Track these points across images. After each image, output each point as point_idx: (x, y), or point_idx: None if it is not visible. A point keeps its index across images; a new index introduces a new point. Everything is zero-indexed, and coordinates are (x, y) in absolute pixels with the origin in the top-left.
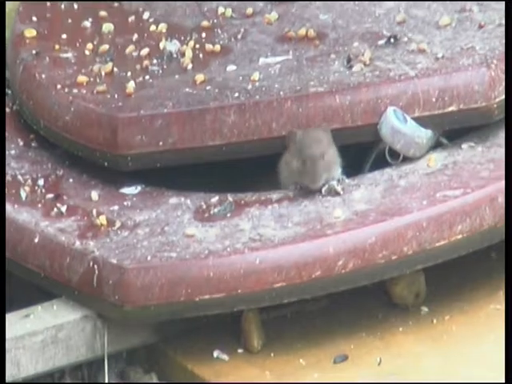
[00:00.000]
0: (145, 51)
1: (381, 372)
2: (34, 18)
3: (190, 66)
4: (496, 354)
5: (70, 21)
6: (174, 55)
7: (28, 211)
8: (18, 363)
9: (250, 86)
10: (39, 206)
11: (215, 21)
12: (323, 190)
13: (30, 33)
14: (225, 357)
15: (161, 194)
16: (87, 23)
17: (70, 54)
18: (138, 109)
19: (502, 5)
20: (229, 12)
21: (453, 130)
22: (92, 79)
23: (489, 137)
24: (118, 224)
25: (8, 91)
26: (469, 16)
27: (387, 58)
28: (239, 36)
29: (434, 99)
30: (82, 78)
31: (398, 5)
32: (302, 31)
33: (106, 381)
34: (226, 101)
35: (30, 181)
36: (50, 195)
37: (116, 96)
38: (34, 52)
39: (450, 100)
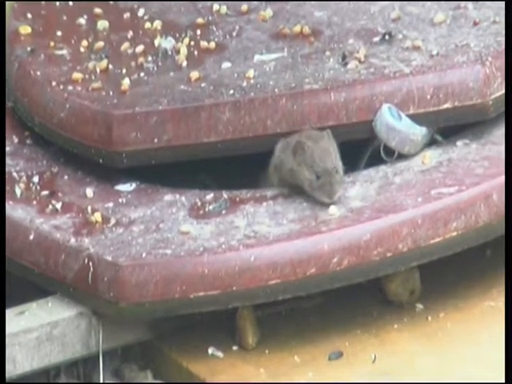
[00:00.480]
0: (140, 48)
1: (375, 370)
2: (29, 15)
3: (184, 63)
4: (491, 352)
5: (64, 18)
6: (169, 52)
7: (23, 208)
8: (14, 360)
9: (244, 83)
10: (34, 202)
11: (210, 18)
12: None
13: (25, 30)
14: (220, 354)
15: (156, 191)
16: (82, 20)
17: (65, 51)
18: (132, 106)
19: (497, 2)
20: (224, 9)
21: (447, 127)
22: (87, 76)
23: (483, 134)
24: (112, 221)
25: None
26: (463, 13)
27: (382, 55)
28: (234, 33)
29: (428, 96)
30: (76, 75)
31: (392, 2)
32: (297, 28)
33: (101, 378)
34: (220, 98)
35: (24, 178)
36: (45, 192)
37: (111, 93)
38: (29, 49)
39: (444, 97)
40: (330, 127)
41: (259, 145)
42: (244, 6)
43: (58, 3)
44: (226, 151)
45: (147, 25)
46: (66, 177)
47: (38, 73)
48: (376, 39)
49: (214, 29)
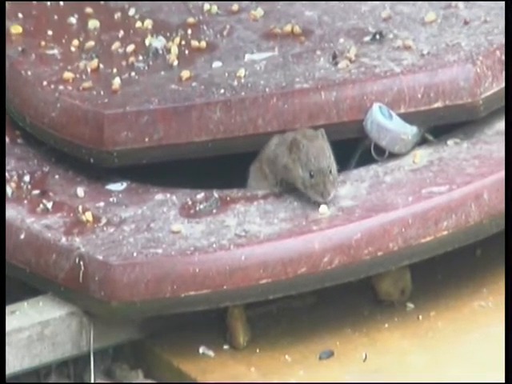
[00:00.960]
0: (130, 48)
1: (366, 369)
2: (20, 15)
3: (175, 63)
4: (481, 351)
5: (55, 17)
6: (160, 52)
7: (14, 208)
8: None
9: (235, 83)
10: (25, 202)
11: (201, 17)
12: None
13: (16, 29)
14: (211, 353)
15: (146, 191)
16: (73, 20)
17: (55, 51)
18: (123, 105)
19: (487, 2)
20: (214, 9)
21: (438, 126)
22: (78, 76)
23: (474, 133)
24: (103, 220)
25: None
26: (454, 12)
27: (373, 55)
28: (225, 33)
29: (419, 95)
30: (67, 75)
31: (383, 1)
32: (288, 28)
33: (92, 377)
34: (211, 97)
35: (15, 177)
36: (36, 191)
37: (102, 92)
38: (19, 49)
39: (435, 96)
40: (321, 126)
41: (250, 144)
42: (235, 6)
43: (48, 3)
44: (217, 150)
45: (138, 24)
46: (57, 176)
47: (29, 72)
48: (367, 38)
49: (205, 28)
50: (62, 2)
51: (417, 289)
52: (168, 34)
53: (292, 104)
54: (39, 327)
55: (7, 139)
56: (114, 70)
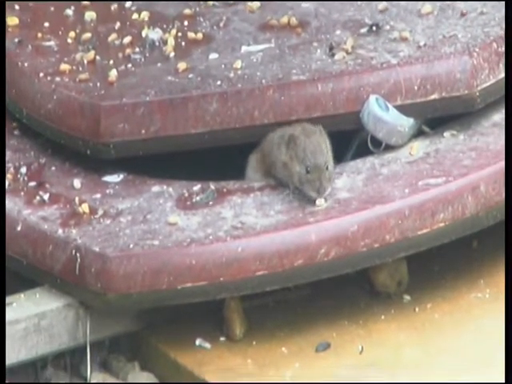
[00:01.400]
0: (127, 39)
1: (363, 361)
2: (17, 7)
3: (172, 55)
4: (478, 343)
5: (52, 9)
6: (157, 43)
7: (10, 199)
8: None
9: (232, 74)
10: (22, 194)
11: (197, 9)
12: None
13: (13, 21)
14: (207, 345)
15: (143, 182)
16: (69, 11)
17: (52, 43)
18: (120, 97)
19: None
20: (211, 0)
21: (435, 118)
22: (74, 67)
23: (471, 125)
24: (100, 212)
25: None
26: (451, 4)
27: (369, 47)
28: (221, 24)
29: (416, 87)
30: (64, 67)
31: None
32: (284, 19)
33: (89, 369)
34: (208, 89)
35: (12, 169)
36: (33, 183)
37: (98, 84)
38: (16, 40)
39: (432, 88)
40: (317, 118)
41: (246, 136)
42: None
43: None
44: (214, 142)
45: (134, 16)
46: (53, 168)
47: (26, 64)
48: (363, 30)
49: (202, 20)
50: None
51: (413, 281)
52: (164, 26)
53: (288, 96)
54: (36, 319)
55: None
56: (111, 62)
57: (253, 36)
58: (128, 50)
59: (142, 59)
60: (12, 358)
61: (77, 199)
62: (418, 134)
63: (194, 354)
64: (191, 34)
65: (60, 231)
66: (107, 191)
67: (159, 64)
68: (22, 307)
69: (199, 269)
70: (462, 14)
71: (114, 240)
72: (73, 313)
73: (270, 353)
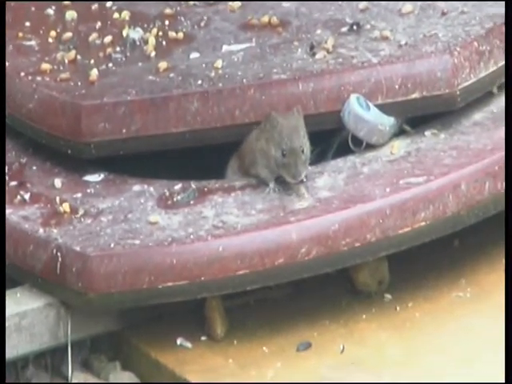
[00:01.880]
0: (108, 39)
1: (344, 360)
2: None
3: (153, 54)
4: (459, 342)
5: (33, 9)
6: (137, 43)
7: None
8: None
9: (213, 74)
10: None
11: (178, 8)
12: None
13: None
14: (188, 344)
15: (124, 182)
16: (50, 11)
17: (33, 42)
18: (101, 96)
19: None
20: (191, 1)
21: (416, 117)
22: (55, 67)
23: (452, 124)
24: (81, 211)
25: None
26: (431, 3)
27: (350, 46)
28: (202, 23)
29: (397, 86)
30: (45, 66)
31: None
32: (265, 19)
33: (70, 369)
34: (189, 88)
35: None
36: (14, 183)
37: (79, 84)
38: None
39: (413, 87)
40: None
41: (227, 135)
42: None
43: None
44: (195, 141)
45: (115, 15)
46: (34, 167)
47: (7, 64)
48: (344, 29)
49: (183, 19)
50: None
51: (394, 280)
52: (145, 25)
53: (269, 95)
54: (17, 318)
55: None
56: (92, 61)
57: (234, 35)
58: (109, 50)
59: (123, 59)
60: None
61: (58, 199)
62: (399, 133)
63: (176, 354)
64: (172, 34)
65: (41, 231)
66: (88, 191)
67: (140, 63)
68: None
69: (180, 268)
70: (443, 13)
71: (95, 239)
72: (54, 312)
73: (252, 352)
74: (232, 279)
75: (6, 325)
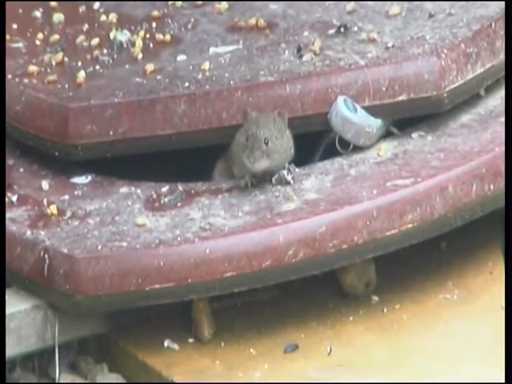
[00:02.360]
0: (95, 41)
1: (331, 362)
2: None
3: (140, 56)
4: (446, 344)
5: (20, 11)
6: (125, 45)
7: None
8: None
9: (200, 76)
10: None
11: (165, 11)
12: (273, 180)
13: None
14: (175, 346)
15: (111, 184)
16: (38, 13)
17: (20, 44)
18: (88, 99)
19: None
20: (179, 2)
21: (403, 119)
22: (43, 69)
23: (439, 126)
24: (68, 213)
25: None
26: (419, 5)
27: (337, 48)
28: (189, 26)
29: (384, 88)
30: (32, 68)
31: None
32: (252, 21)
33: (57, 371)
34: (176, 90)
35: None
36: None
37: (66, 86)
38: None
39: (400, 89)
40: None
41: (214, 137)
42: None
43: None
44: (182, 144)
45: (103, 18)
46: (21, 169)
47: None
48: (331, 31)
49: (170, 21)
50: None
51: (381, 282)
52: (132, 28)
53: (257, 97)
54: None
55: None
56: (79, 64)
57: (221, 37)
58: (96, 52)
59: (110, 61)
60: None
61: (45, 201)
62: (386, 135)
63: (163, 356)
64: (159, 36)
65: (28, 233)
66: (75, 193)
67: (127, 66)
68: None
69: (167, 270)
70: (430, 15)
71: (83, 241)
72: (41, 314)
73: (239, 354)
74: (219, 281)
75: None
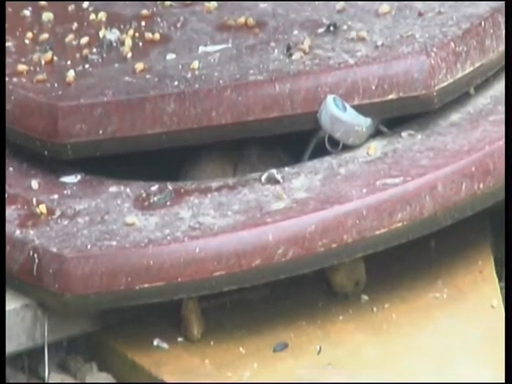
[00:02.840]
0: (84, 40)
1: (320, 361)
2: None
3: (129, 55)
4: (436, 343)
5: (9, 10)
6: (114, 44)
7: None
8: None
9: (189, 75)
10: None
11: (155, 9)
12: (263, 179)
13: None
14: (165, 345)
15: (101, 183)
16: (27, 12)
17: (9, 43)
18: (77, 98)
19: None
20: (168, 1)
21: (392, 118)
22: (32, 68)
23: (428, 125)
24: (57, 213)
25: None
26: (408, 4)
27: (327, 46)
28: (179, 24)
29: (373, 87)
30: (21, 67)
31: None
32: (242, 20)
33: (46, 370)
34: (165, 89)
35: None
36: None
37: (56, 85)
38: None
39: (389, 88)
40: (275, 118)
41: (204, 136)
42: None
43: None
44: (171, 143)
45: (92, 16)
46: (11, 169)
47: None
48: (321, 30)
49: (159, 20)
50: None
51: (371, 281)
52: (122, 27)
53: (246, 96)
54: None
55: None
56: (68, 63)
57: (210, 36)
58: (85, 51)
59: (100, 60)
60: None
61: (34, 200)
62: (376, 133)
63: (152, 355)
64: (148, 35)
65: (17, 232)
66: (65, 192)
67: (116, 64)
68: None
69: (157, 269)
70: (420, 14)
71: (72, 241)
72: (31, 314)
73: (228, 353)
74: (209, 280)
75: None
